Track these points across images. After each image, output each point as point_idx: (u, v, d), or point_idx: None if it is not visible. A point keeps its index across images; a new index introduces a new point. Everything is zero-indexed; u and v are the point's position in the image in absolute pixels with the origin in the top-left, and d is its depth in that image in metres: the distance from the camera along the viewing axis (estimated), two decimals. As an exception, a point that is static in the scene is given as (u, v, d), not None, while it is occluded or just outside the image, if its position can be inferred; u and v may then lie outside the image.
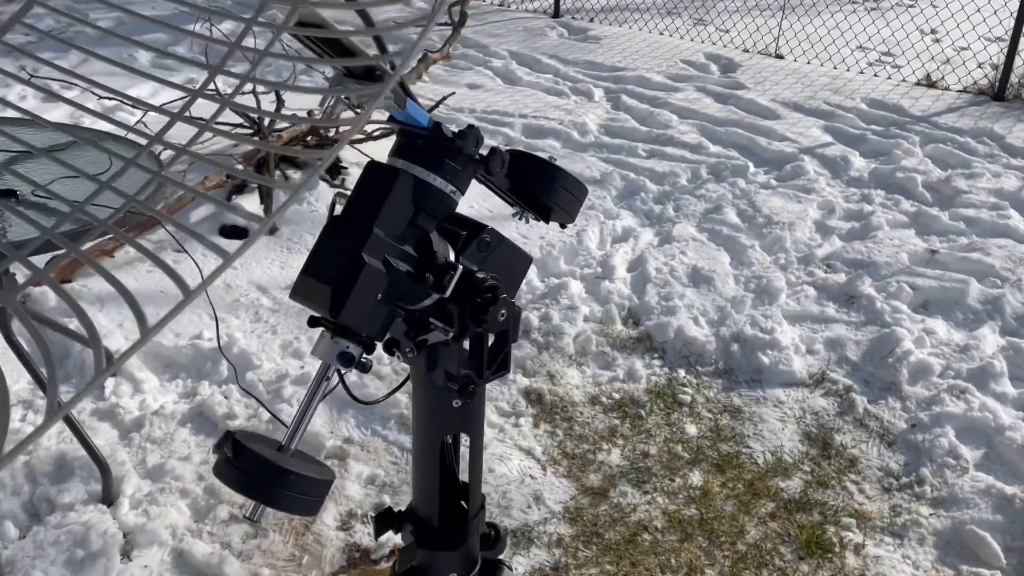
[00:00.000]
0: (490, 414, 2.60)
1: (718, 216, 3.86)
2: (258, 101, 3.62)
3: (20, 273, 2.96)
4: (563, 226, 1.30)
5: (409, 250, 1.09)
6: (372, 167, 1.11)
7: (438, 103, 4.33)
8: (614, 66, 5.76)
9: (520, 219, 1.27)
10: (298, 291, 1.07)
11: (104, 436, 2.35)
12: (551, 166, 1.23)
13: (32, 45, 5.62)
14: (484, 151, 1.15)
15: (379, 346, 1.13)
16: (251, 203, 3.46)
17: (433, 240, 1.11)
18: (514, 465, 2.44)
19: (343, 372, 1.13)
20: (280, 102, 3.76)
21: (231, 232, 3.33)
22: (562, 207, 1.24)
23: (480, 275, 1.13)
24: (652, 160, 4.42)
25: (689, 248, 3.59)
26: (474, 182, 1.23)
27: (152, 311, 2.87)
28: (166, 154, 3.70)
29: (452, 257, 1.13)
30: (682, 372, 2.90)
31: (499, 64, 5.65)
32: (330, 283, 1.03)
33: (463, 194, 1.16)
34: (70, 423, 2.10)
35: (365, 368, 1.09)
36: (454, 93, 4.77)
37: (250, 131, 3.64)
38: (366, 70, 1.03)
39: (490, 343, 1.23)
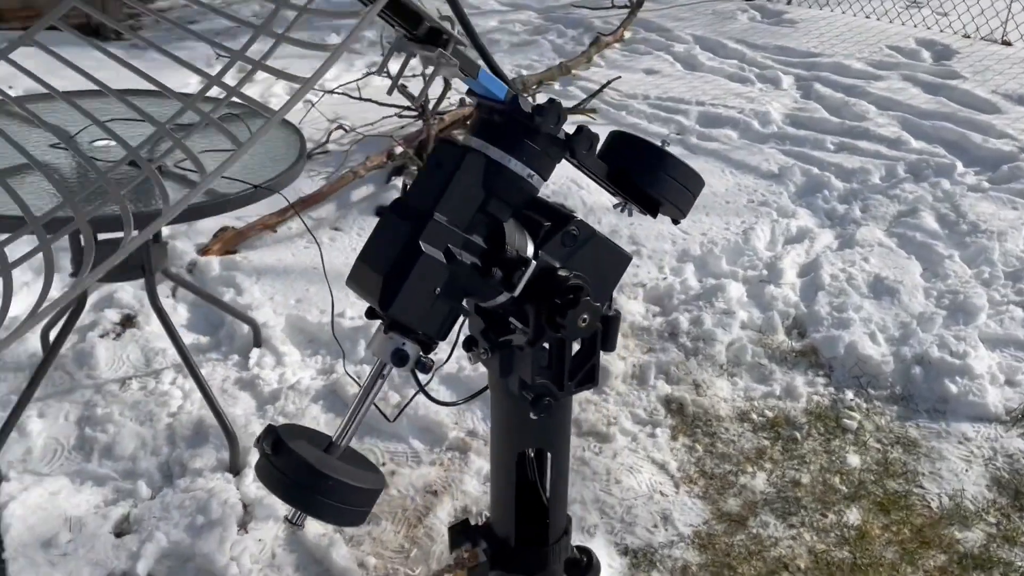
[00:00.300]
0: (624, 420, 2.43)
1: (913, 220, 3.43)
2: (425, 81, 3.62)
3: (188, 243, 3.12)
4: (675, 222, 1.12)
5: (477, 240, 0.96)
6: (441, 145, 0.99)
7: (602, 87, 4.15)
8: (808, 51, 5.32)
9: (622, 211, 1.10)
10: (353, 278, 0.97)
11: (242, 406, 2.40)
12: (660, 152, 1.05)
13: (236, 29, 6.01)
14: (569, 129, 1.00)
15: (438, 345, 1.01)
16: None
17: (508, 230, 0.97)
18: (644, 479, 2.26)
19: (421, 374, 1.02)
20: (447, 85, 3.74)
21: (386, 213, 3.35)
22: (671, 200, 1.06)
23: (562, 273, 0.98)
24: (841, 155, 4.01)
25: (873, 254, 3.21)
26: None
27: (302, 286, 2.93)
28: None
29: (531, 250, 0.98)
30: (850, 394, 2.58)
31: (681, 49, 5.38)
32: (381, 272, 0.92)
33: (545, 179, 1.01)
34: (203, 390, 2.16)
35: (425, 368, 0.98)
36: (619, 77, 4.58)
37: (415, 114, 3.65)
38: (428, 33, 0.91)
39: (576, 350, 1.08)
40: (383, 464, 2.23)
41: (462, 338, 1.15)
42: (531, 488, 1.19)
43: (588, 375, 1.08)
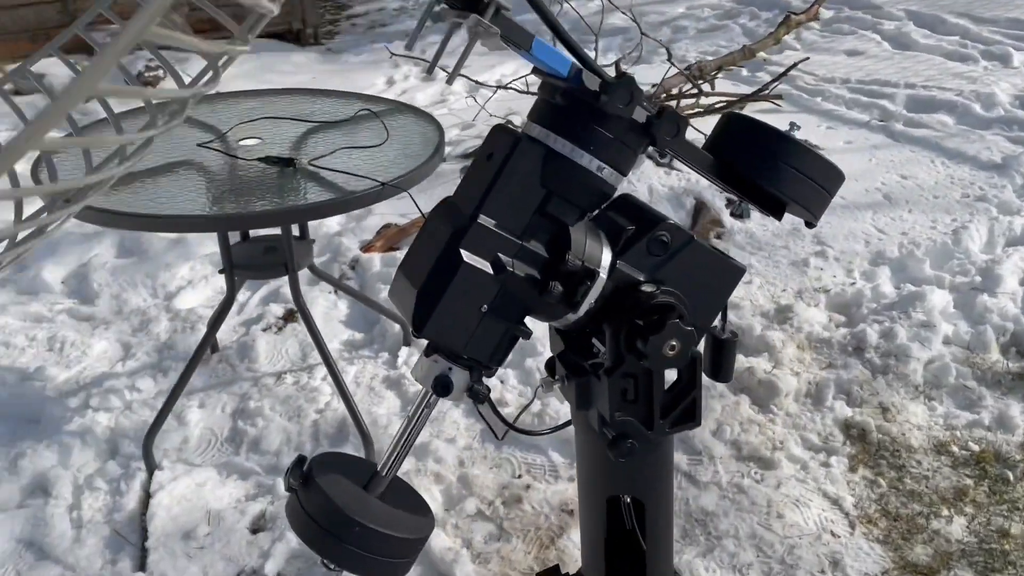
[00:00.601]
0: (792, 445, 2.15)
1: None
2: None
3: (354, 240, 3.16)
4: (810, 225, 0.89)
5: (536, 248, 0.80)
6: (494, 132, 0.83)
7: (786, 71, 3.76)
8: (1049, 22, 4.59)
9: (736, 212, 0.89)
10: (393, 291, 0.84)
11: (387, 405, 2.37)
12: (783, 138, 0.83)
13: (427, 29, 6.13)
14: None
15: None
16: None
17: (575, 236, 0.80)
18: (812, 514, 1.98)
19: (483, 403, 0.88)
20: (618, 72, 3.55)
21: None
22: (799, 200, 0.84)
23: (646, 288, 0.80)
24: (1085, 141, 3.40)
25: (1123, 259, 2.66)
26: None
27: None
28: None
29: (607, 260, 0.81)
30: (1082, 428, 2.14)
31: (891, 27, 4.83)
32: (416, 285, 0.78)
33: (624, 173, 0.82)
34: (341, 389, 2.15)
35: (479, 397, 0.83)
36: (807, 59, 4.15)
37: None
38: (465, -7, 0.75)
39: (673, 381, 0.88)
40: (518, 476, 2.11)
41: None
42: (628, 537, 1.01)
43: (686, 413, 0.88)
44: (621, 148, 0.80)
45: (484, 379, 0.85)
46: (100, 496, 2.04)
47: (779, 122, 3.82)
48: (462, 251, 0.76)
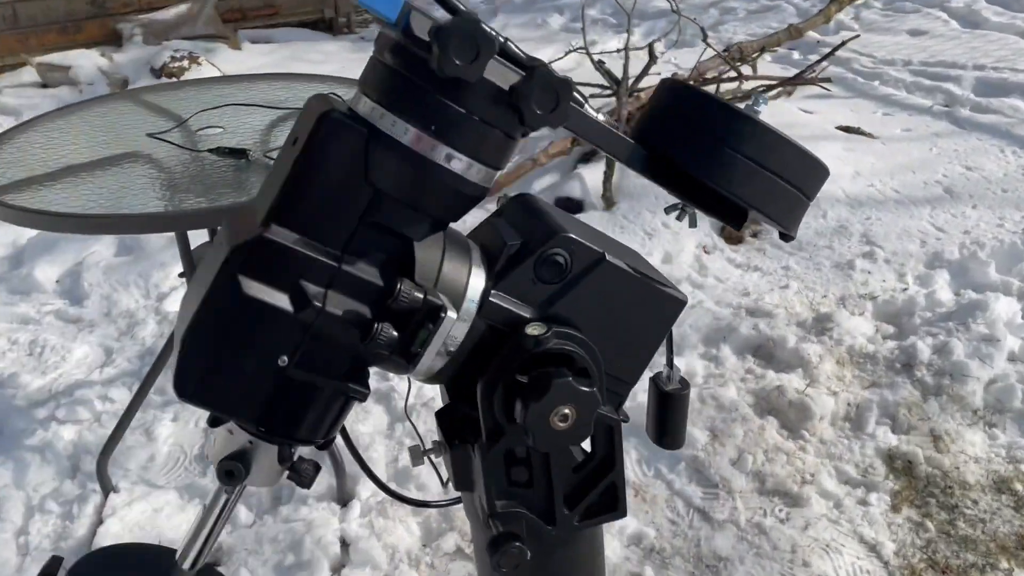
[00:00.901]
0: (825, 479, 1.86)
1: None
2: (627, 58, 3.20)
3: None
4: (785, 238, 0.63)
5: (364, 272, 0.56)
6: (307, 105, 0.60)
7: (833, 51, 3.39)
8: None
9: (680, 219, 0.64)
10: (176, 331, 0.62)
11: (373, 422, 2.16)
12: (740, 120, 0.58)
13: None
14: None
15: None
16: (594, 174, 3.05)
17: (421, 256, 0.56)
18: (845, 562, 1.69)
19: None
20: (652, 57, 3.28)
21: (565, 205, 2.98)
22: (761, 206, 0.58)
23: (532, 330, 0.55)
24: None
25: None
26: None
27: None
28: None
29: (475, 290, 0.57)
30: None
31: (959, 4, 4.42)
32: (182, 330, 0.56)
33: (493, 165, 0.58)
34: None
35: (301, 479, 0.60)
36: (857, 36, 3.78)
37: (610, 91, 3.23)
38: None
39: (582, 458, 0.64)
40: (507, 509, 1.87)
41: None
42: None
43: (605, 500, 0.63)
44: (479, 128, 0.55)
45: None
46: (51, 520, 1.88)
47: (831, 109, 3.44)
48: (240, 278, 0.53)
